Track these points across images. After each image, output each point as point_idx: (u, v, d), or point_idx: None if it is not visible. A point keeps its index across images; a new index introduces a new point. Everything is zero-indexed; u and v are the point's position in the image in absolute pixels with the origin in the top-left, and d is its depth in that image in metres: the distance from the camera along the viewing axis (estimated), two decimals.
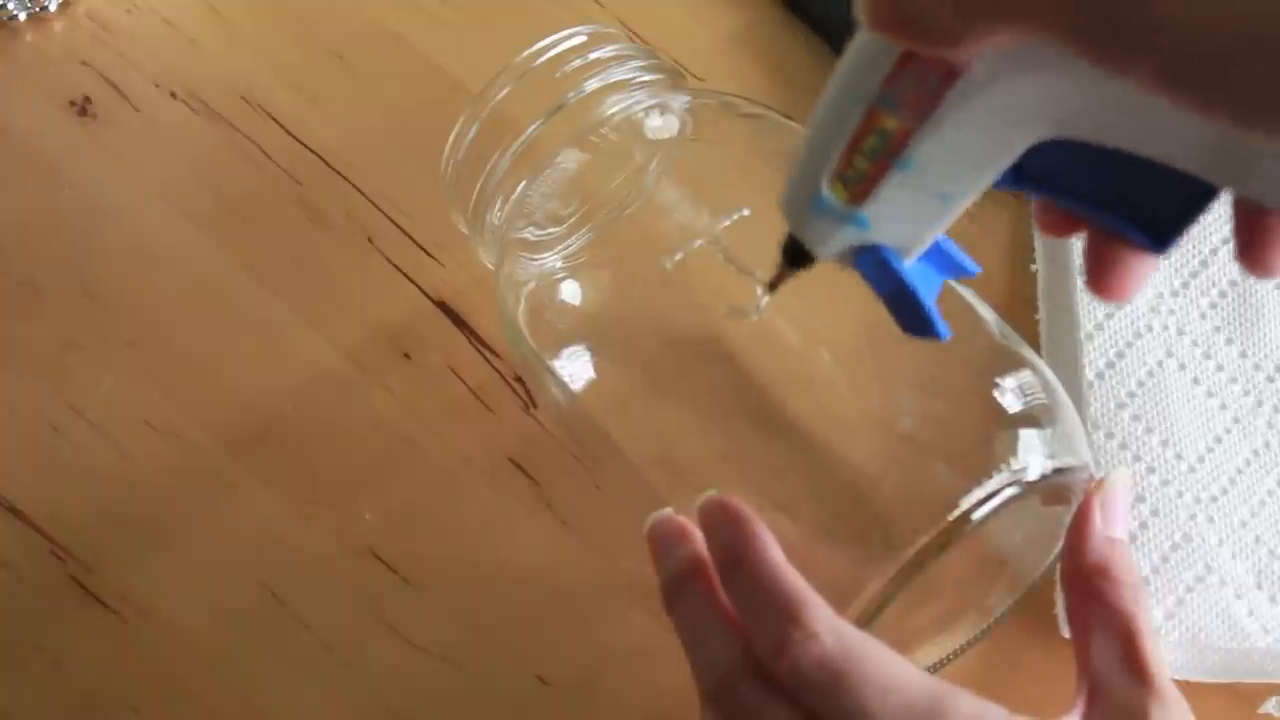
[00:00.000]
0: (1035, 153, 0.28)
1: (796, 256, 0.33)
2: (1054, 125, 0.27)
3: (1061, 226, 0.31)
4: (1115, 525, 0.37)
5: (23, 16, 0.53)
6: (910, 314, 0.32)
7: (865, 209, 0.30)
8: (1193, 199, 0.28)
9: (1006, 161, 0.28)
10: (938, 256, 0.32)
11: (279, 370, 0.49)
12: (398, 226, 0.50)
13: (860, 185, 0.30)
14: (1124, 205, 0.29)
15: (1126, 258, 0.30)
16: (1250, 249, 0.28)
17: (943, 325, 0.31)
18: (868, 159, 0.29)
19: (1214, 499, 0.46)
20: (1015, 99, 0.27)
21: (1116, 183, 0.29)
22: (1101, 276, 0.30)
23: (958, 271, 0.33)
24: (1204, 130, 0.25)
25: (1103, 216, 0.30)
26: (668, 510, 0.38)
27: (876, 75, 0.28)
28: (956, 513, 0.35)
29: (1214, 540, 0.45)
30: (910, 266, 0.31)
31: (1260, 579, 0.45)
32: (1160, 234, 0.29)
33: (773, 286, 0.34)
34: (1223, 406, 0.47)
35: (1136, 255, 0.30)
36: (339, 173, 0.51)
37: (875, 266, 0.31)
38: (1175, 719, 0.34)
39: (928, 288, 0.32)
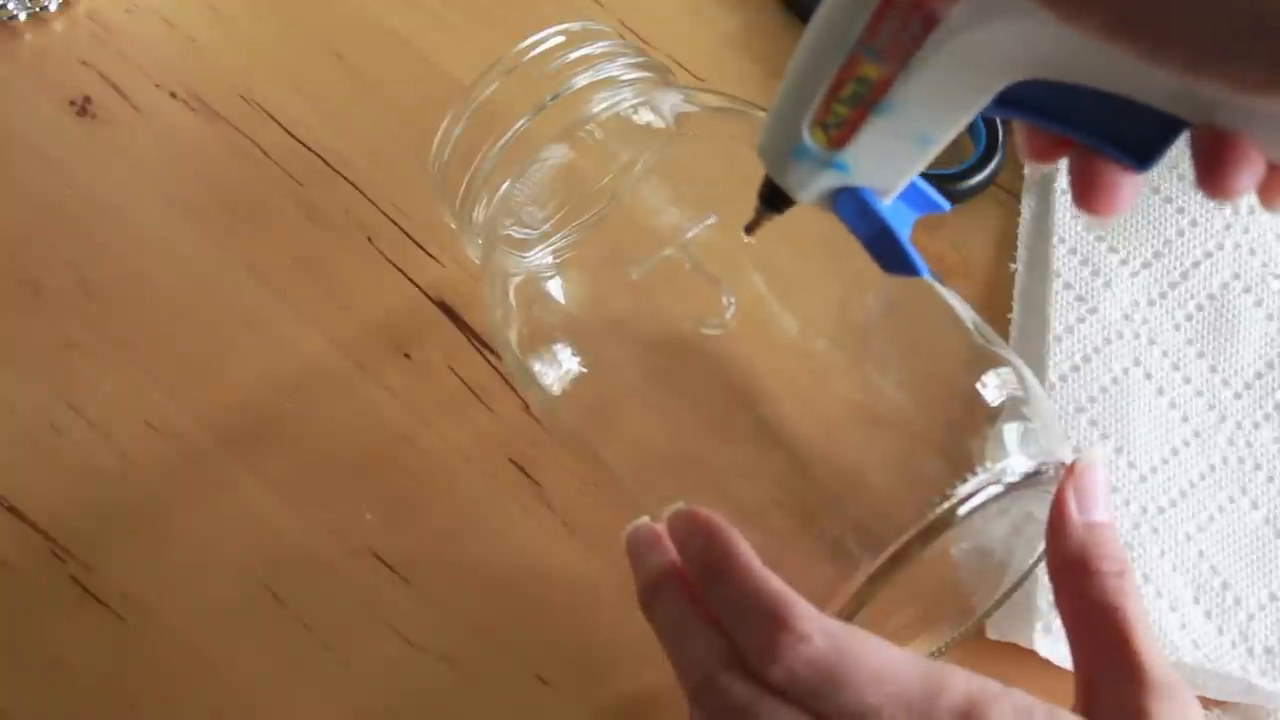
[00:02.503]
0: (1017, 84, 0.29)
1: (774, 200, 0.33)
2: (1028, 68, 0.28)
3: (1048, 151, 0.31)
4: (1092, 509, 0.37)
5: (23, 16, 0.53)
6: (890, 253, 0.32)
7: (845, 153, 0.30)
8: (1167, 123, 0.29)
9: (984, 102, 0.29)
10: (910, 194, 0.33)
11: (278, 369, 0.49)
12: (397, 225, 0.50)
13: (840, 130, 0.30)
14: (1105, 129, 0.30)
15: (1113, 175, 0.30)
16: (1211, 174, 0.28)
17: (921, 262, 0.32)
18: (847, 105, 0.30)
19: (1161, 510, 0.46)
20: (990, 45, 0.28)
21: (1096, 109, 0.29)
22: (1088, 194, 0.31)
23: (930, 207, 0.33)
24: (1165, 73, 0.26)
25: (1086, 138, 0.30)
26: (644, 519, 0.38)
27: (857, 23, 0.29)
28: (937, 511, 0.35)
29: (1156, 552, 0.45)
30: (887, 206, 0.32)
31: (1198, 593, 0.45)
32: (1142, 154, 0.30)
33: (749, 230, 0.35)
34: (1184, 419, 0.47)
35: (1122, 172, 0.30)
36: (338, 172, 0.51)
37: (855, 208, 0.32)
38: (1175, 711, 0.34)
39: (903, 225, 0.32)
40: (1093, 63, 0.27)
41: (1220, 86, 0.25)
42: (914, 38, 0.28)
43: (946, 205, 0.34)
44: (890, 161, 0.31)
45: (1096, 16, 0.25)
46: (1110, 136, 0.29)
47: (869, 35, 0.28)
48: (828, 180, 0.31)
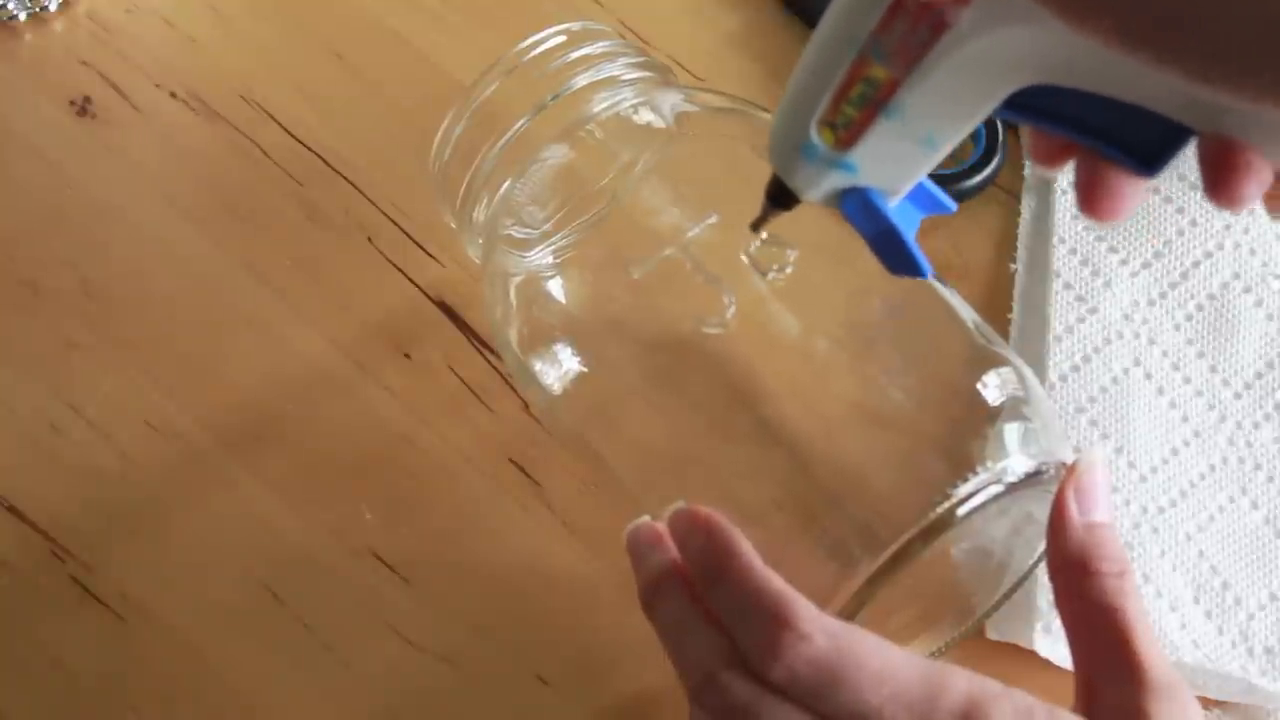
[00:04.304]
0: (1025, 88, 0.29)
1: (781, 198, 0.33)
2: (1037, 74, 0.28)
3: (1055, 155, 0.32)
4: (1093, 509, 0.37)
5: (23, 16, 0.53)
6: (896, 254, 0.32)
7: (852, 154, 0.31)
8: (1178, 129, 0.29)
9: (992, 106, 0.29)
10: (917, 194, 0.33)
11: (279, 369, 0.49)
12: (397, 225, 0.50)
13: (848, 131, 0.30)
14: (1113, 134, 0.30)
15: (1118, 180, 0.30)
16: (1218, 182, 0.29)
17: (925, 262, 0.32)
18: (855, 106, 0.30)
19: (1161, 510, 0.46)
20: (999, 50, 0.28)
21: (1104, 115, 0.29)
22: (1093, 198, 0.31)
23: (936, 208, 0.33)
24: (1173, 80, 0.26)
25: (1094, 143, 0.30)
26: (645, 518, 0.38)
27: (866, 25, 0.28)
28: (937, 511, 0.35)
29: (1156, 551, 0.45)
30: (893, 206, 0.32)
31: (1199, 593, 0.45)
32: (1149, 160, 0.30)
33: (755, 227, 0.35)
34: (1184, 419, 0.47)
35: (1128, 178, 0.30)
36: (338, 172, 0.51)
37: (861, 208, 0.32)
38: (1175, 711, 0.34)
39: (909, 225, 0.32)
40: (1101, 69, 0.27)
41: (1228, 95, 0.25)
42: (923, 41, 0.28)
43: (953, 206, 0.34)
44: (897, 163, 0.31)
45: (1105, 23, 0.25)
46: (1117, 142, 0.29)
47: (878, 37, 0.28)
48: (835, 180, 0.31)
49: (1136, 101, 0.28)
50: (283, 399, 0.48)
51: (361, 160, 0.51)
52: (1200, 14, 0.24)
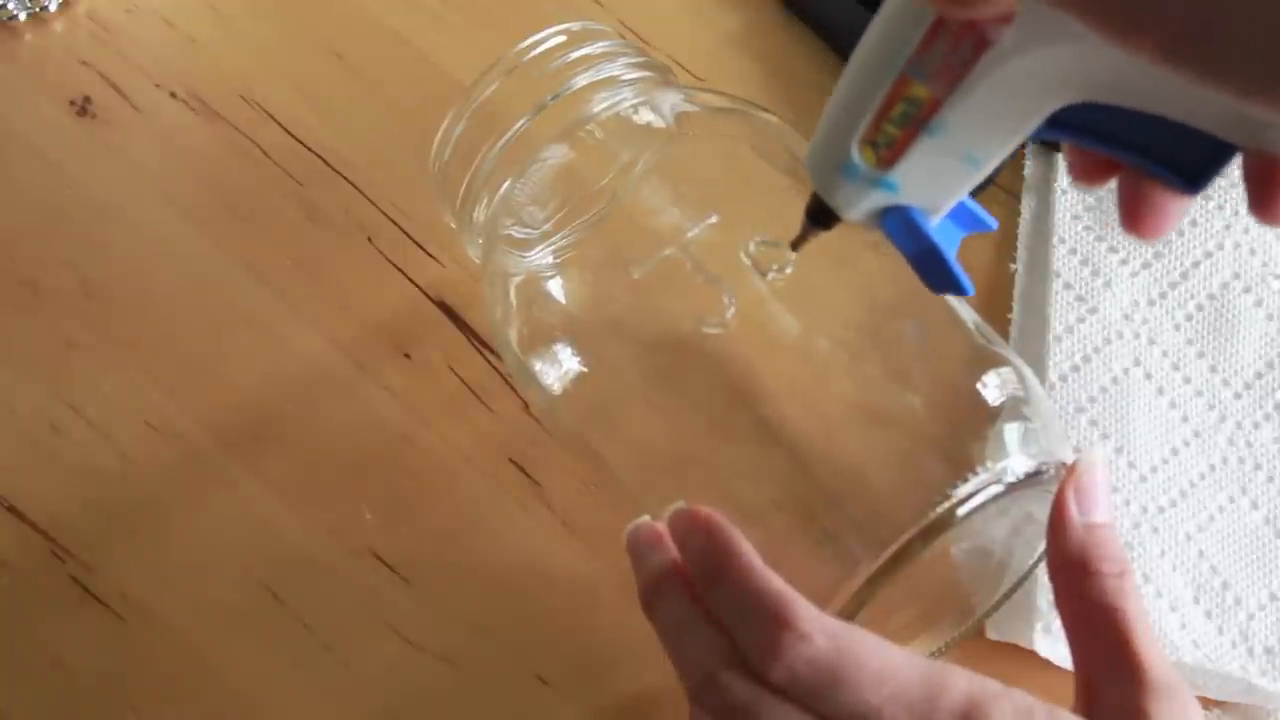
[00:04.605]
0: (1067, 106, 0.29)
1: (821, 217, 0.33)
2: (1079, 91, 0.28)
3: (1095, 173, 0.32)
4: (1093, 510, 0.37)
5: (23, 16, 0.53)
6: (938, 273, 0.32)
7: (894, 172, 0.30)
8: (1222, 145, 0.29)
9: (1035, 124, 0.29)
10: (958, 212, 0.33)
11: (279, 369, 0.49)
12: (397, 225, 0.50)
13: (890, 150, 0.30)
14: (1155, 151, 0.29)
15: (1162, 197, 0.30)
16: (1263, 200, 0.29)
17: (967, 280, 0.32)
18: (897, 125, 0.30)
19: (1161, 510, 0.46)
20: (1042, 68, 0.27)
21: (1147, 131, 0.29)
22: (1137, 216, 0.31)
23: (977, 226, 0.33)
24: (1217, 97, 0.26)
25: (1137, 160, 0.30)
26: (645, 518, 0.38)
27: (907, 44, 0.28)
28: (937, 511, 0.35)
29: (1156, 551, 0.45)
30: (934, 225, 0.32)
31: (1199, 593, 0.45)
32: (1193, 176, 0.29)
33: (795, 246, 0.34)
34: (1184, 419, 0.47)
35: (1171, 194, 0.30)
36: (338, 172, 0.51)
37: (902, 227, 0.32)
38: (1175, 711, 0.34)
39: (950, 244, 0.32)
40: (1145, 86, 0.27)
41: (1273, 111, 0.25)
42: (965, 60, 0.28)
43: (994, 224, 0.34)
44: (939, 181, 0.31)
45: (1149, 40, 0.24)
46: (1161, 159, 0.29)
47: (919, 57, 0.28)
48: (876, 199, 0.31)
49: (1181, 118, 0.28)
50: (283, 399, 0.48)
51: (361, 160, 0.51)
52: (1243, 30, 0.24)
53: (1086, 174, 0.32)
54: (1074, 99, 0.28)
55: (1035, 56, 0.27)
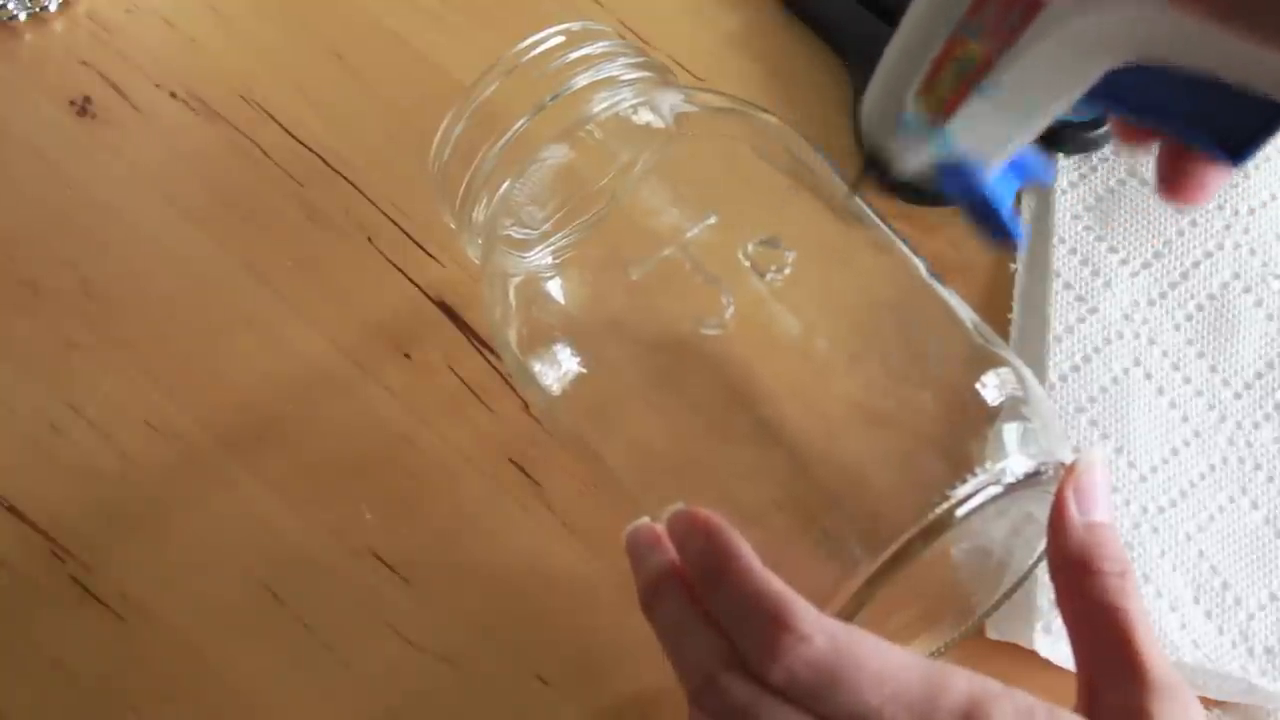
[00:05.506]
0: (1113, 72, 0.29)
1: (875, 168, 0.33)
2: (1132, 51, 0.28)
3: (1140, 135, 0.32)
4: (1093, 509, 0.37)
5: (23, 16, 0.53)
6: (991, 224, 0.32)
7: (948, 126, 0.31)
8: (1270, 115, 0.29)
9: (1089, 83, 0.29)
10: (1015, 164, 0.33)
11: (279, 369, 0.49)
12: (397, 225, 0.50)
13: (944, 105, 0.30)
14: (1200, 121, 0.29)
15: (1203, 168, 0.30)
16: (1170, 183, 0.30)
17: (1020, 232, 0.32)
18: (951, 82, 0.30)
19: (1161, 510, 0.46)
20: (1095, 28, 0.28)
21: (1193, 100, 0.29)
22: (1176, 185, 0.31)
23: (1033, 176, 0.34)
24: (1271, 55, 0.26)
25: (1180, 131, 0.30)
26: (644, 519, 0.38)
27: (960, 4, 0.28)
28: (937, 511, 0.35)
29: (1156, 551, 0.45)
30: (989, 176, 0.32)
31: (1199, 593, 0.45)
32: (1236, 148, 0.29)
33: (854, 189, 0.35)
34: (1184, 419, 0.47)
35: (1211, 165, 0.30)
36: (338, 172, 0.51)
37: (957, 180, 0.32)
38: (1177, 711, 0.34)
39: (1006, 195, 0.33)
40: (1202, 47, 0.27)
41: None
42: (1017, 21, 0.28)
43: (1051, 177, 0.34)
44: (993, 135, 0.31)
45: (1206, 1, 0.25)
46: (1205, 129, 0.29)
47: (972, 17, 0.28)
48: (931, 151, 0.32)
49: (1236, 81, 0.28)
50: (283, 399, 0.48)
51: (361, 160, 0.51)
52: None
53: (1131, 136, 0.32)
54: (1127, 60, 0.28)
55: (1088, 18, 0.27)
